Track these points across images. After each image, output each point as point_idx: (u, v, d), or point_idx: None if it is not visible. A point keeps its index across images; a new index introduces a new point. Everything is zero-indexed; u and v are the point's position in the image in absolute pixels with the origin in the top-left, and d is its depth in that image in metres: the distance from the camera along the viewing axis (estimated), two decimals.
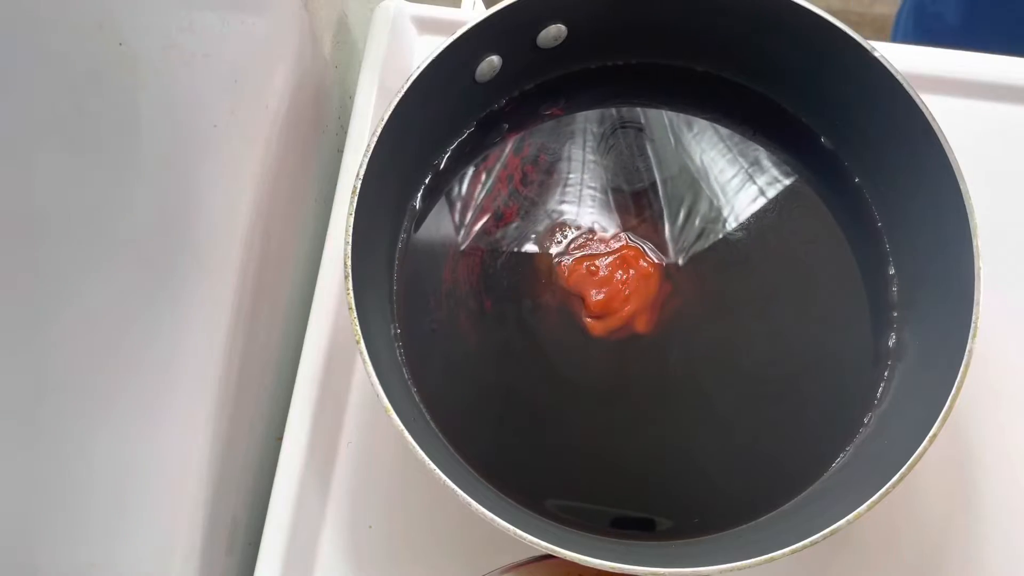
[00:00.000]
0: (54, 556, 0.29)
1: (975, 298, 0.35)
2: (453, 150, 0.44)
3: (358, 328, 0.35)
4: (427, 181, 0.43)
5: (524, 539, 0.33)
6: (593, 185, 0.44)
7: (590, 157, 0.44)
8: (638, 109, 0.45)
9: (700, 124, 0.45)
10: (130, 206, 0.31)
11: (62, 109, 0.27)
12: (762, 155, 0.44)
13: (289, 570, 0.42)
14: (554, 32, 0.42)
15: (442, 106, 0.41)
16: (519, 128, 0.45)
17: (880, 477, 0.34)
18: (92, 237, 0.29)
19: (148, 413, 0.34)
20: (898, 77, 0.38)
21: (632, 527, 0.39)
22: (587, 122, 0.45)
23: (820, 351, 0.42)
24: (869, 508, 0.34)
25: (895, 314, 0.41)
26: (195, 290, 0.37)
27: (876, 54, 0.38)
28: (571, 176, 0.44)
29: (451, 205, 0.44)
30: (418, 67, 0.38)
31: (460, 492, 0.34)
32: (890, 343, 0.41)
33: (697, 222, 0.43)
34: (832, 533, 0.33)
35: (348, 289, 0.36)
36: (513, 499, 0.39)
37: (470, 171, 0.44)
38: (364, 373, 0.35)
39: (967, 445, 0.45)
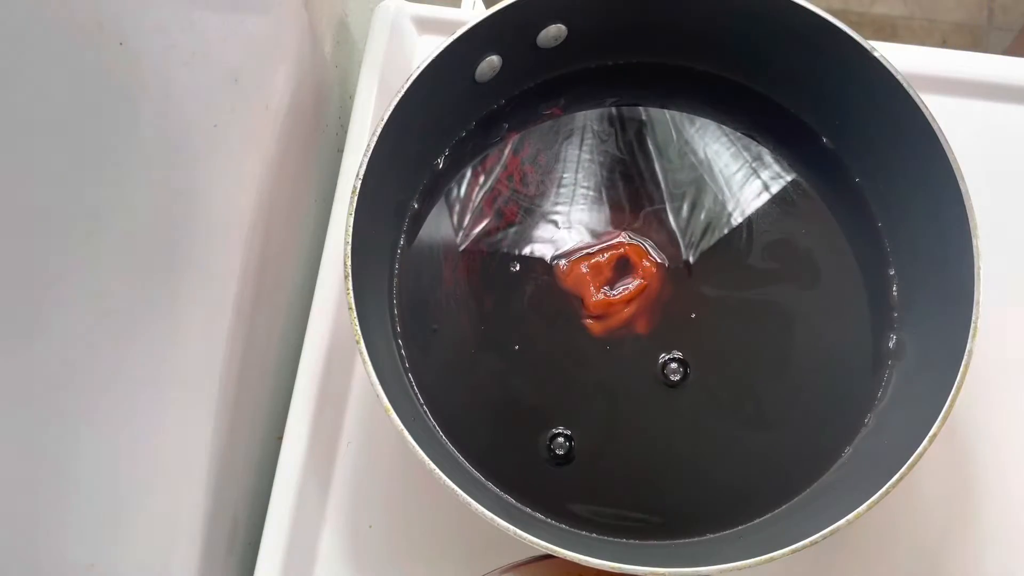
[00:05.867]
0: (54, 556, 0.29)
1: (975, 298, 0.35)
2: (453, 150, 0.44)
3: (358, 328, 0.35)
4: (427, 181, 0.43)
5: (524, 539, 0.33)
6: (593, 185, 0.44)
7: (589, 157, 0.44)
8: (638, 109, 0.45)
9: (700, 124, 0.45)
10: (130, 206, 0.31)
11: (62, 109, 0.27)
12: (762, 155, 0.44)
13: (289, 570, 0.42)
14: (554, 32, 0.42)
15: (442, 106, 0.41)
16: (519, 128, 0.45)
17: (880, 477, 0.34)
18: (92, 237, 0.29)
19: (148, 413, 0.34)
20: (898, 77, 0.38)
21: (632, 527, 0.39)
22: (587, 122, 0.45)
23: (820, 351, 0.42)
24: (869, 508, 0.34)
25: (895, 314, 0.41)
26: (195, 290, 0.37)
27: (876, 54, 0.38)
28: (571, 176, 0.44)
29: (451, 205, 0.44)
30: (418, 67, 0.38)
31: (460, 492, 0.34)
32: (890, 343, 0.41)
33: (697, 222, 0.43)
34: (832, 533, 0.33)
35: (348, 289, 0.36)
36: (513, 498, 0.39)
37: (470, 171, 0.44)
38: (364, 373, 0.35)
39: (967, 445, 0.45)
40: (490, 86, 0.43)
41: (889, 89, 0.38)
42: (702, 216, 0.43)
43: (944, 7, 1.22)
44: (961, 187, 0.36)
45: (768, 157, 0.44)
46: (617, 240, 0.43)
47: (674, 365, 0.41)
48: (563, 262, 0.43)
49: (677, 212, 0.43)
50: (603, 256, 0.42)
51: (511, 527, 0.33)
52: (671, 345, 0.42)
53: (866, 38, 0.38)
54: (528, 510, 0.39)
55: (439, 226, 0.43)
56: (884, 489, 0.34)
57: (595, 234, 0.43)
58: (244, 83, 0.40)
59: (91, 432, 0.30)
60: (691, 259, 0.43)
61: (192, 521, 0.40)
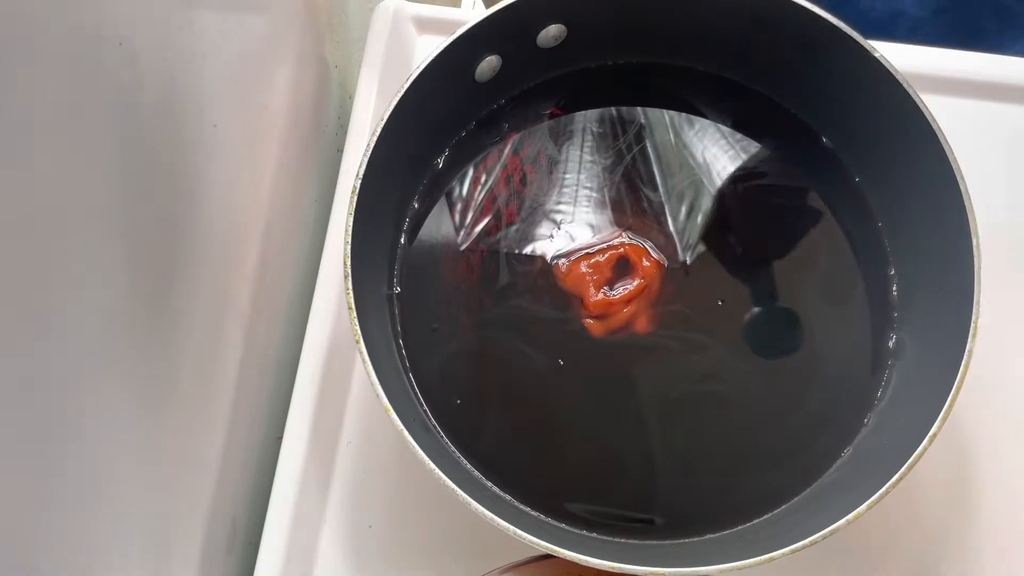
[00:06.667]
0: (53, 556, 0.29)
1: (975, 298, 0.35)
2: (453, 150, 0.44)
3: (358, 328, 0.35)
4: (427, 181, 0.43)
5: (524, 539, 0.33)
6: (593, 185, 0.44)
7: (589, 157, 0.44)
8: (638, 109, 0.45)
9: (700, 124, 0.45)
10: (130, 206, 0.31)
11: (62, 109, 0.27)
12: (762, 155, 0.44)
13: (289, 570, 0.42)
14: (554, 32, 0.42)
15: (442, 106, 0.41)
16: (519, 128, 0.45)
17: (880, 477, 0.34)
18: (91, 237, 0.29)
19: (147, 413, 0.34)
20: (898, 77, 0.38)
21: (632, 527, 0.39)
22: (587, 122, 0.45)
23: (820, 351, 0.42)
24: (869, 508, 0.34)
25: (895, 314, 0.41)
26: (195, 289, 0.37)
27: (876, 54, 0.38)
28: (571, 176, 0.44)
29: (451, 205, 0.44)
30: (418, 67, 0.38)
31: (460, 492, 0.34)
32: (890, 343, 0.41)
33: (697, 222, 0.43)
34: (832, 533, 0.33)
35: (348, 289, 0.36)
36: (513, 498, 0.39)
37: (470, 171, 0.44)
38: (364, 373, 0.35)
39: (967, 445, 0.45)
40: (490, 86, 0.43)
41: (889, 89, 0.38)
42: (703, 216, 0.43)
43: None
44: (961, 187, 0.36)
45: (768, 157, 0.44)
46: (617, 240, 0.43)
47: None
48: (563, 262, 0.43)
49: (676, 212, 0.43)
50: (603, 256, 0.42)
51: (511, 527, 0.33)
52: (671, 345, 0.42)
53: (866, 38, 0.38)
54: (528, 510, 0.39)
55: (439, 226, 0.43)
56: (884, 489, 0.34)
57: (595, 234, 0.43)
58: (244, 83, 0.40)
59: (90, 432, 0.30)
60: (690, 259, 0.43)
61: (192, 521, 0.40)
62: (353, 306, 0.36)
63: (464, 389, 0.41)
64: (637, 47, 0.44)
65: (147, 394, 0.34)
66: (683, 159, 0.44)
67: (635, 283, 0.42)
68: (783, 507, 0.39)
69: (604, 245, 0.43)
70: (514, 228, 0.43)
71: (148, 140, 0.32)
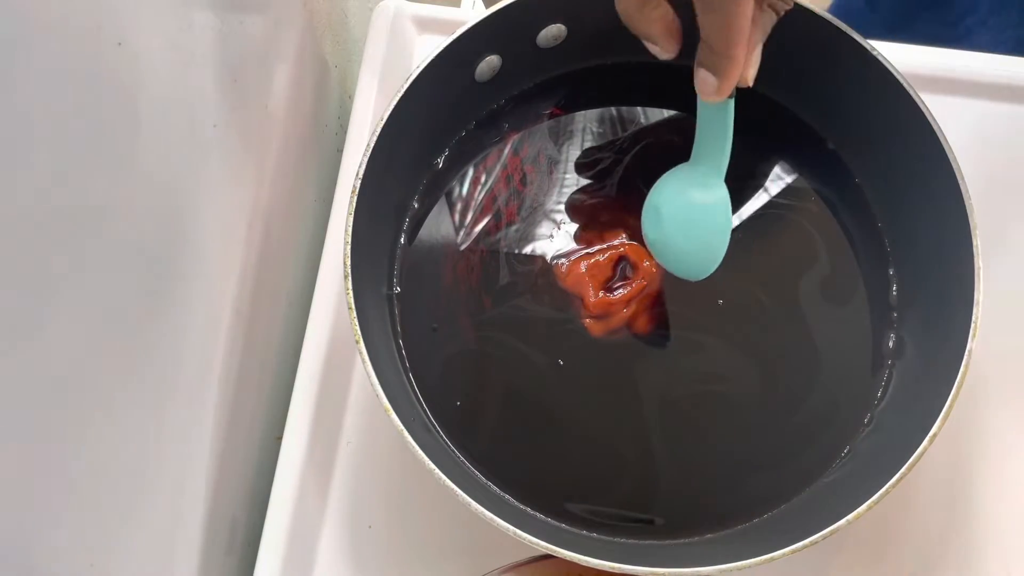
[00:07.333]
0: (54, 556, 0.29)
1: (975, 298, 0.35)
2: (453, 150, 0.44)
3: (358, 328, 0.35)
4: (427, 181, 0.43)
5: (524, 539, 0.33)
6: (593, 185, 0.44)
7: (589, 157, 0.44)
8: (638, 108, 0.45)
9: None
10: (130, 206, 0.31)
11: (62, 109, 0.27)
12: (762, 155, 0.44)
13: (289, 570, 0.42)
14: (554, 32, 0.42)
15: (442, 106, 0.41)
16: (519, 128, 0.45)
17: (880, 477, 0.34)
18: (92, 237, 0.29)
19: (147, 413, 0.34)
20: (898, 77, 0.38)
21: (632, 527, 0.39)
22: (587, 122, 0.45)
23: (820, 351, 0.42)
24: (869, 508, 0.34)
25: (895, 314, 0.41)
26: (195, 290, 0.37)
27: (876, 54, 0.38)
28: (571, 176, 0.44)
29: (451, 205, 0.44)
30: (418, 67, 0.38)
31: (460, 492, 0.34)
32: (890, 343, 0.41)
33: None
34: (832, 533, 0.33)
35: (348, 289, 0.36)
36: (513, 498, 0.39)
37: (470, 171, 0.44)
38: (364, 373, 0.35)
39: (967, 445, 0.45)
40: (490, 86, 0.43)
41: (889, 89, 0.38)
42: None
43: None
44: (961, 187, 0.36)
45: (768, 157, 0.44)
46: (617, 240, 0.43)
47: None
48: (563, 262, 0.43)
49: None
50: (603, 256, 0.42)
51: (511, 527, 0.33)
52: (670, 345, 0.42)
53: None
54: (528, 510, 0.39)
55: (439, 226, 0.43)
56: (884, 489, 0.34)
57: (595, 234, 0.43)
58: (244, 83, 0.40)
59: (90, 432, 0.30)
60: None
61: (192, 521, 0.40)
62: (353, 306, 0.36)
63: (464, 389, 0.41)
64: (637, 47, 0.44)
65: (147, 394, 0.34)
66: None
67: (635, 283, 0.42)
68: (783, 507, 0.39)
69: (604, 245, 0.43)
70: (514, 228, 0.43)
71: (147, 140, 0.32)
